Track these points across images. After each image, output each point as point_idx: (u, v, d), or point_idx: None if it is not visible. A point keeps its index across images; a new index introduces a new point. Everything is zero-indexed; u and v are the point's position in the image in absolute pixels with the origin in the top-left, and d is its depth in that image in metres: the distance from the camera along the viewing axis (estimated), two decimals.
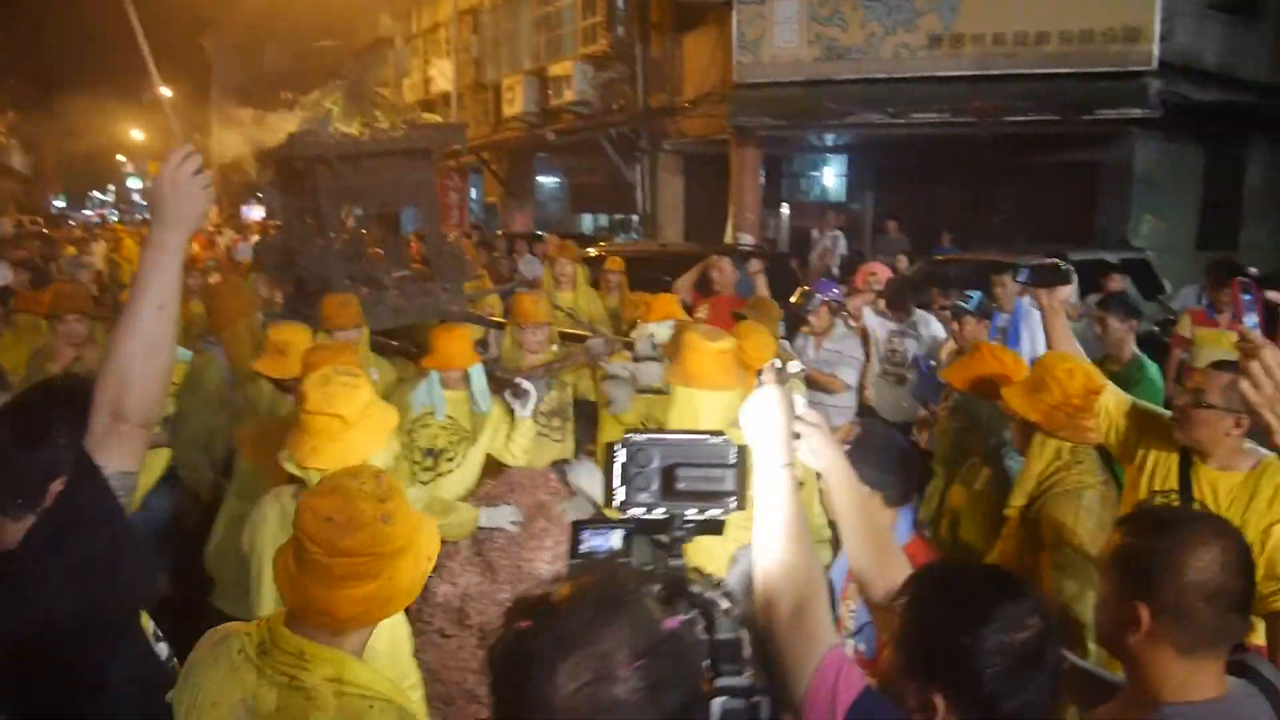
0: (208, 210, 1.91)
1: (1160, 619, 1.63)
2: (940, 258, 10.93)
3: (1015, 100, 11.93)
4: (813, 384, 5.60)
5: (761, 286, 6.69)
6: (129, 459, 1.83)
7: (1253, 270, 9.21)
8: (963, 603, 1.42)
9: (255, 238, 16.16)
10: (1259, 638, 2.53)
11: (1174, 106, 11.69)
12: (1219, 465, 2.69)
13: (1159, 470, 2.83)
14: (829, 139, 15.86)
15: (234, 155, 6.52)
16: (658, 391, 3.80)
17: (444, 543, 3.05)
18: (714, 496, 1.45)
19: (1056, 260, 3.27)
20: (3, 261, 12.25)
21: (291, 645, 1.65)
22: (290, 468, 2.58)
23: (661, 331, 4.10)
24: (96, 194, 71.45)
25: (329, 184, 5.52)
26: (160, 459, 3.18)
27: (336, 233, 5.79)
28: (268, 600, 2.57)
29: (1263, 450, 2.63)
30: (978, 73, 12.26)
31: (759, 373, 1.75)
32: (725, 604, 1.28)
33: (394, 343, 5.41)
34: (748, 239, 14.27)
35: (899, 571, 1.79)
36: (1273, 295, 2.17)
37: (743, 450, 1.51)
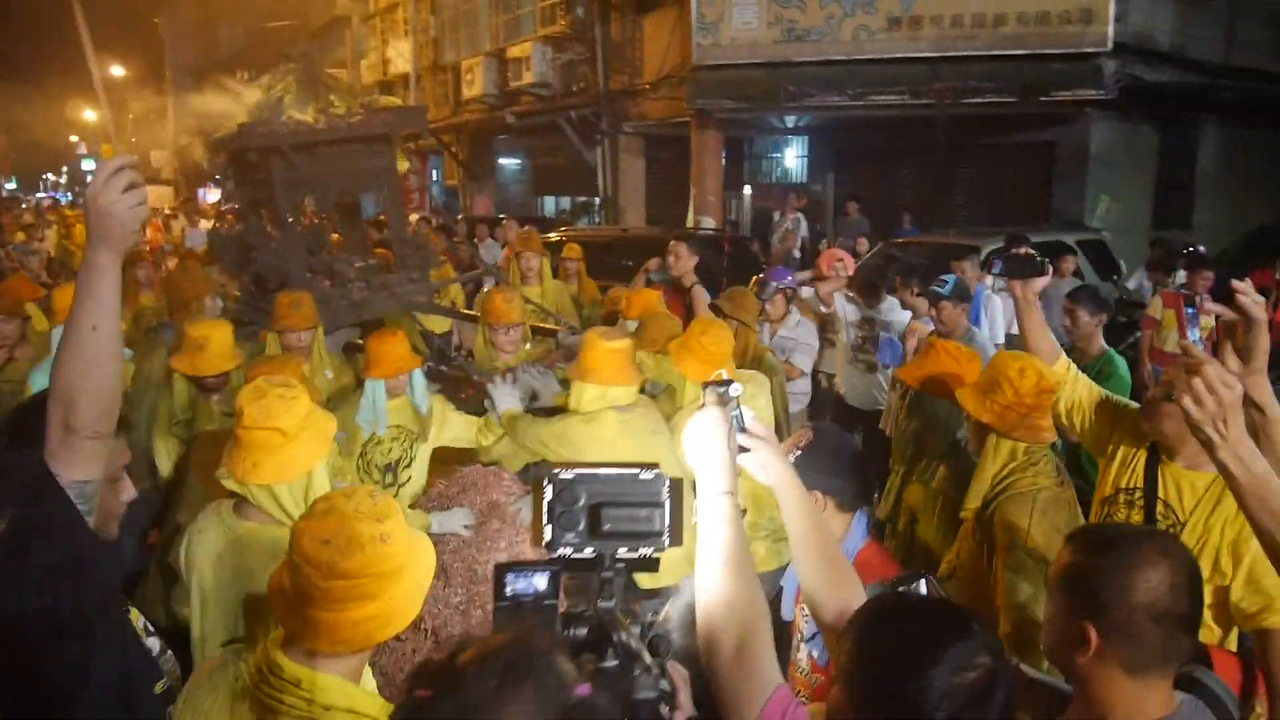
0: (138, 229, 1.89)
1: (1108, 639, 1.61)
2: (899, 240, 10.95)
3: (973, 81, 11.99)
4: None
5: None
6: (83, 469, 1.86)
7: (1201, 249, 9.36)
8: (910, 643, 1.37)
9: (209, 223, 15.82)
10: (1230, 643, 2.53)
11: (1128, 88, 11.80)
12: (1186, 463, 2.64)
13: (1125, 466, 2.79)
14: (789, 121, 15.84)
15: (189, 138, 6.35)
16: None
17: None
18: (642, 536, 1.40)
19: (1031, 251, 3.16)
20: None
21: (289, 673, 1.64)
22: (230, 485, 2.53)
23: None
24: (50, 175, 70.05)
25: (284, 175, 5.34)
26: None
27: (295, 225, 5.62)
28: (211, 616, 2.53)
29: None
30: (936, 54, 12.32)
31: (704, 386, 1.70)
32: (649, 657, 1.23)
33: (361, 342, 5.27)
34: (709, 222, 14.23)
35: (851, 591, 1.75)
36: (1213, 306, 2.14)
37: (675, 485, 1.45)
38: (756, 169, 18.45)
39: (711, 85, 13.67)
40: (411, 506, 3.83)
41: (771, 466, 1.75)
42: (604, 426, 3.54)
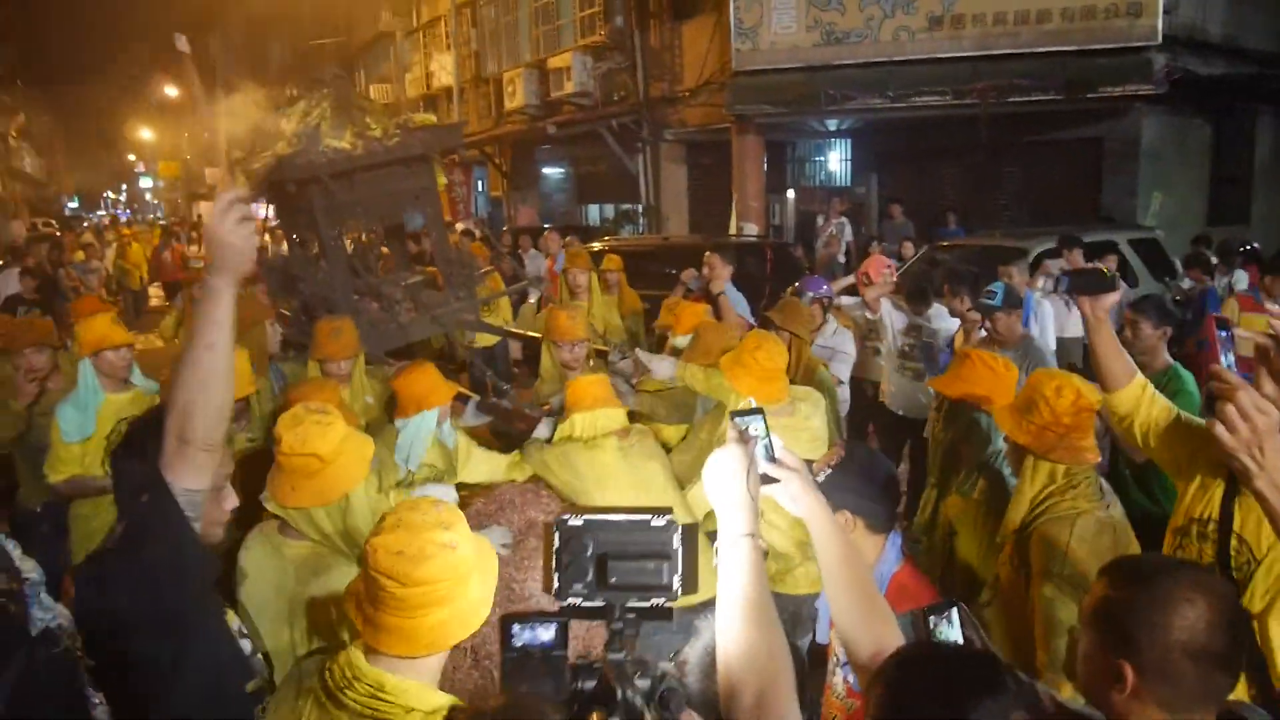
0: (253, 256, 2.04)
1: (1145, 677, 1.56)
2: (944, 244, 10.79)
3: (1017, 79, 11.78)
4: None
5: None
6: (194, 478, 1.99)
7: (1255, 245, 9.06)
8: (939, 700, 1.33)
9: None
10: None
11: (1179, 81, 11.50)
12: None
13: (1203, 495, 2.54)
14: (831, 124, 15.71)
15: (241, 154, 6.41)
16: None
17: None
18: (649, 589, 1.38)
19: (1101, 265, 2.99)
20: (11, 269, 12.28)
21: (371, 678, 1.73)
22: (271, 507, 2.67)
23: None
24: (109, 194, 71.98)
25: (324, 203, 5.36)
26: None
27: (338, 253, 5.64)
28: (272, 626, 2.64)
29: None
30: (979, 53, 12.13)
31: (731, 416, 1.68)
32: (651, 716, 1.21)
33: (393, 362, 5.24)
34: (751, 228, 14.16)
35: (885, 629, 1.71)
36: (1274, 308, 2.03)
37: (689, 531, 1.42)
38: (800, 172, 18.31)
39: (751, 90, 13.61)
40: None
41: (802, 499, 1.71)
42: (604, 451, 3.65)
